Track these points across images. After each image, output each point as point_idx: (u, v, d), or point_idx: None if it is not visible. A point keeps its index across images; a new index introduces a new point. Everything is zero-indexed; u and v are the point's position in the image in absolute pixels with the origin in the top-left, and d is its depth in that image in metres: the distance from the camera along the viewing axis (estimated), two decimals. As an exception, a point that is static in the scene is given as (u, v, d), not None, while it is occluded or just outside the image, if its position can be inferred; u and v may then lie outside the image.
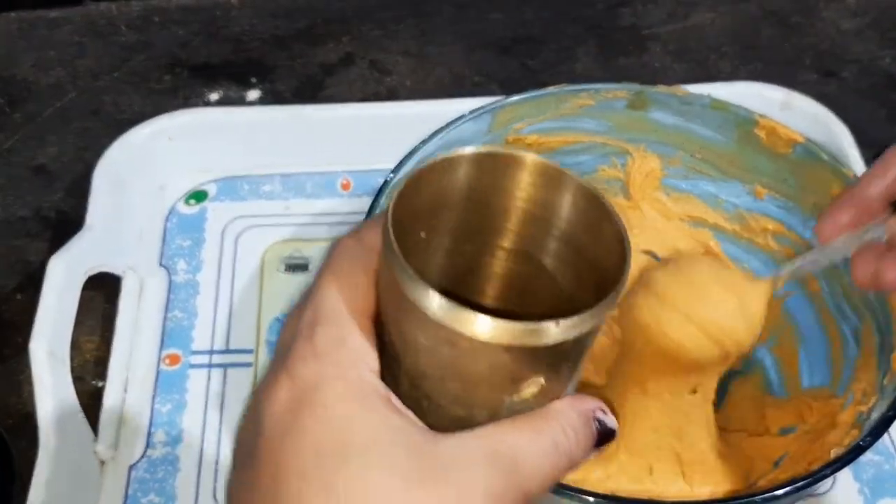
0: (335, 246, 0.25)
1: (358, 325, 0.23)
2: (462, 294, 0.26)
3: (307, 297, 0.24)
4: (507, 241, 0.26)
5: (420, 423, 0.23)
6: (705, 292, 0.36)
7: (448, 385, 0.23)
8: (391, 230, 0.22)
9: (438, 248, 0.25)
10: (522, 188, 0.25)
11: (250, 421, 0.24)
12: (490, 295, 0.27)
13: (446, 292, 0.21)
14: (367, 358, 0.23)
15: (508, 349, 0.21)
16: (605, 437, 0.25)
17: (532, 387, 0.23)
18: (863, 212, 0.35)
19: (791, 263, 0.37)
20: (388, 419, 0.22)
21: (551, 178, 0.24)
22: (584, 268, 0.25)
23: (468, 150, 0.24)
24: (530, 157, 0.24)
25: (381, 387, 0.23)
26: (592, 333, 0.23)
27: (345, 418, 0.22)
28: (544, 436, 0.23)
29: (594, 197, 0.24)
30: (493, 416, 0.23)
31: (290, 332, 0.24)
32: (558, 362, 0.23)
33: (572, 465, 0.24)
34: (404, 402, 0.23)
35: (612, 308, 0.22)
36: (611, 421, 0.25)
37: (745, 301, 0.36)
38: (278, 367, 0.23)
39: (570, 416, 0.24)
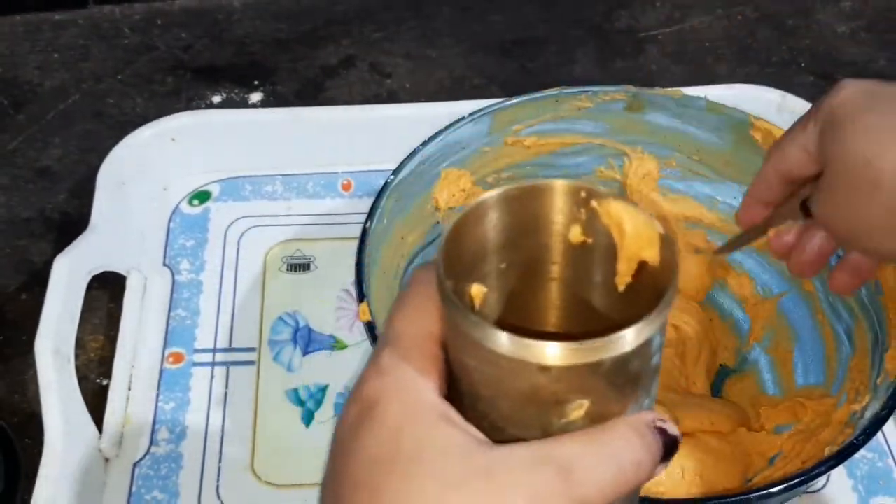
0: (411, 276, 0.26)
1: (422, 348, 0.25)
2: (516, 322, 0.26)
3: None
4: (551, 272, 0.26)
5: (480, 437, 0.24)
6: None
7: (499, 404, 0.23)
8: (444, 277, 0.23)
9: (490, 285, 0.26)
10: (556, 216, 0.25)
11: (335, 433, 0.26)
12: (547, 323, 0.27)
13: (501, 323, 0.22)
14: (428, 376, 0.24)
15: (546, 369, 0.22)
16: (669, 446, 0.25)
17: (579, 409, 0.23)
18: (770, 197, 0.37)
19: (726, 244, 0.39)
20: (441, 430, 0.23)
21: (579, 198, 0.25)
22: (637, 286, 0.25)
23: (496, 192, 0.25)
24: (558, 184, 0.25)
25: (438, 403, 0.24)
26: (637, 355, 0.23)
27: (397, 430, 0.23)
28: (601, 444, 0.23)
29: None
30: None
31: None
32: (602, 384, 0.23)
33: (638, 478, 0.24)
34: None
35: (664, 315, 0.23)
36: (671, 429, 0.25)
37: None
38: (354, 386, 0.25)
39: (629, 425, 0.24)
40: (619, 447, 0.23)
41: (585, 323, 0.26)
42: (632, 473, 0.24)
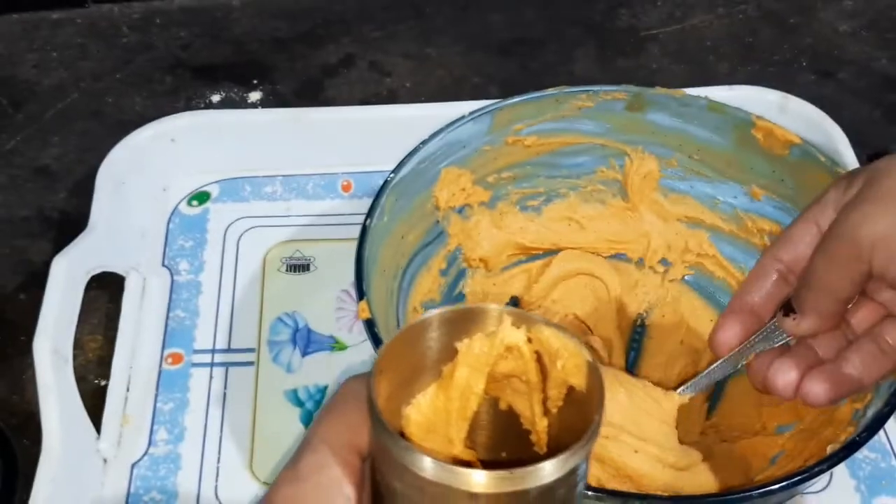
0: (342, 386, 0.26)
1: (344, 459, 0.24)
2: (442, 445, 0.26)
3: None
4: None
5: None
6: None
7: None
8: (374, 389, 0.23)
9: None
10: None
11: None
12: (481, 446, 0.27)
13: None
14: (343, 486, 0.24)
15: (498, 497, 0.22)
16: None
17: None
18: (751, 320, 0.37)
19: (692, 383, 0.40)
20: None
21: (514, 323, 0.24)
22: (566, 410, 0.25)
23: (434, 311, 0.24)
24: (493, 309, 0.24)
25: None
26: (575, 474, 0.23)
27: None
28: None
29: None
30: None
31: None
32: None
33: None
34: None
35: (589, 446, 0.23)
36: None
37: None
38: (266, 493, 0.25)
39: None
40: None
41: (520, 447, 0.26)
42: None
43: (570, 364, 0.24)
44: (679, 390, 0.41)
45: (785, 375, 0.35)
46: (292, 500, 0.24)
